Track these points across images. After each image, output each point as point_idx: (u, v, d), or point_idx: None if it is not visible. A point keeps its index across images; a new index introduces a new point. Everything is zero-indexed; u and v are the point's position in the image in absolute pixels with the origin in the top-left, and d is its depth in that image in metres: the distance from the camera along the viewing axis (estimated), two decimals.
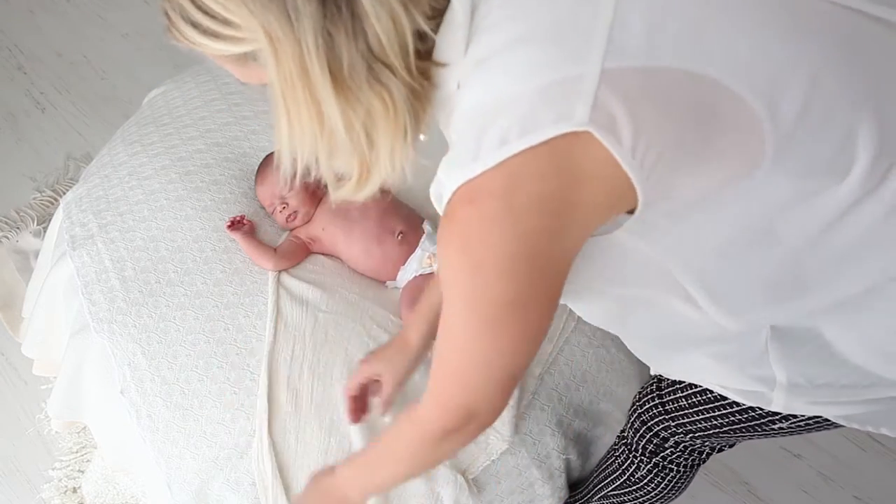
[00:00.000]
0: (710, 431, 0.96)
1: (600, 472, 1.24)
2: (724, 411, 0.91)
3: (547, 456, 1.23)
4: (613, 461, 1.18)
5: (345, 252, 1.39)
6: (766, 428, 0.89)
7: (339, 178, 0.69)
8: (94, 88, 2.57)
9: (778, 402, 0.79)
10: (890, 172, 0.61)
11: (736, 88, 0.56)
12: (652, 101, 0.54)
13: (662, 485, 1.13)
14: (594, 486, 1.25)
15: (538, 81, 0.55)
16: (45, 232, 1.87)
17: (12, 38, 2.76)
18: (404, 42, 0.60)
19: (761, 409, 0.85)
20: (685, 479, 1.13)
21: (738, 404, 0.88)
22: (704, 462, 1.12)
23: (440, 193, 0.63)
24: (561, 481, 1.26)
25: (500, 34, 0.58)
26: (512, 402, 1.21)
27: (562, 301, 0.78)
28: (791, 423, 0.86)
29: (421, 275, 1.32)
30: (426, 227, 1.37)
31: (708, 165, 0.58)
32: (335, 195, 0.70)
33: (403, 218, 1.38)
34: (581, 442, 1.29)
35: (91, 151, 2.31)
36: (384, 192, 1.59)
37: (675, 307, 0.72)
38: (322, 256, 1.42)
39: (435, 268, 1.31)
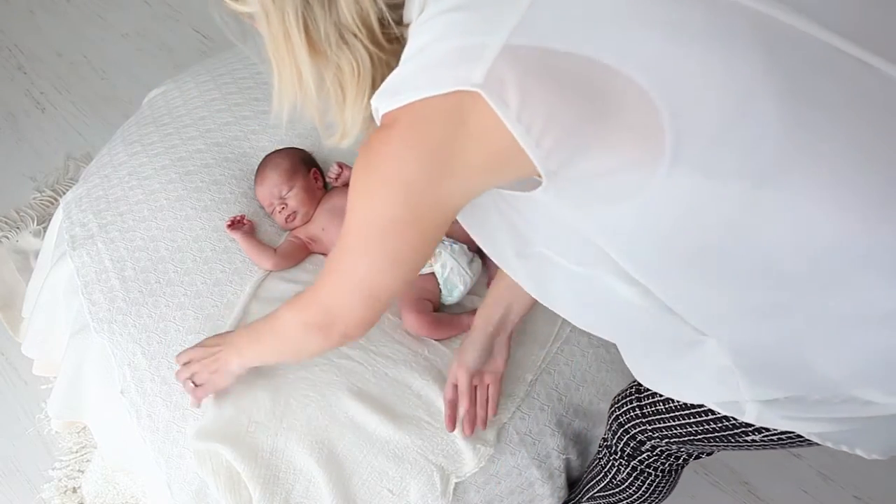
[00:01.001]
0: (685, 438, 0.97)
1: (588, 474, 1.24)
2: (700, 419, 0.92)
3: (547, 456, 1.23)
4: (597, 463, 1.19)
5: None
6: (740, 439, 0.89)
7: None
8: (94, 88, 2.57)
9: (751, 414, 0.80)
10: (803, 182, 0.62)
11: (638, 80, 0.60)
12: (545, 78, 0.60)
13: (643, 488, 1.13)
14: (583, 488, 1.26)
15: (454, 43, 0.63)
16: (45, 232, 1.87)
17: (12, 38, 2.76)
18: (367, 20, 0.71)
19: (735, 419, 0.85)
20: (666, 484, 1.13)
21: (713, 412, 0.89)
22: (683, 468, 1.12)
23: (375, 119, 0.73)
24: (561, 481, 1.26)
25: (445, 2, 0.67)
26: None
27: (530, 288, 0.85)
28: (764, 437, 0.86)
29: (420, 275, 1.32)
30: None
31: (606, 147, 0.62)
32: (326, 142, 0.82)
33: None
34: (581, 442, 1.29)
35: (91, 151, 2.31)
36: None
37: (621, 292, 0.75)
38: (322, 256, 1.42)
39: (434, 268, 1.32)
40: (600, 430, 1.31)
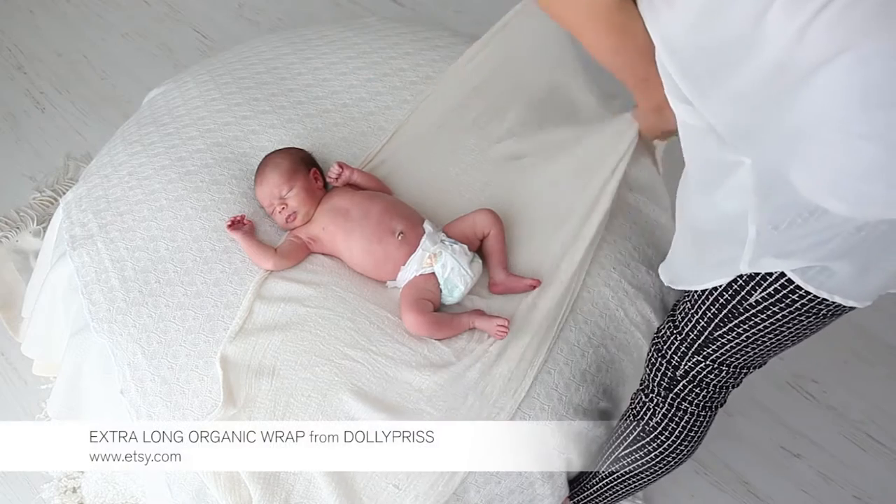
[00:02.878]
0: (705, 336, 1.03)
1: (612, 435, 1.26)
2: (711, 298, 1.00)
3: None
4: (628, 415, 1.21)
5: (345, 252, 1.39)
6: (744, 306, 0.96)
7: None
8: (94, 88, 2.57)
9: (745, 259, 0.89)
10: None
11: None
12: None
13: (676, 432, 1.15)
14: (604, 453, 1.27)
15: None
16: (45, 232, 1.87)
17: (12, 38, 2.76)
18: None
19: (734, 284, 0.95)
20: (699, 427, 1.15)
21: (717, 289, 0.98)
22: (714, 408, 1.14)
23: None
24: (561, 480, 1.26)
25: None
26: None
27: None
28: (763, 297, 0.93)
29: (421, 275, 1.32)
30: (426, 226, 1.37)
31: None
32: None
33: (404, 217, 1.38)
34: (581, 441, 1.29)
35: (91, 151, 2.31)
36: (385, 191, 1.59)
37: (678, 111, 0.90)
38: (322, 256, 1.42)
39: (435, 268, 1.32)
40: (600, 431, 1.32)
